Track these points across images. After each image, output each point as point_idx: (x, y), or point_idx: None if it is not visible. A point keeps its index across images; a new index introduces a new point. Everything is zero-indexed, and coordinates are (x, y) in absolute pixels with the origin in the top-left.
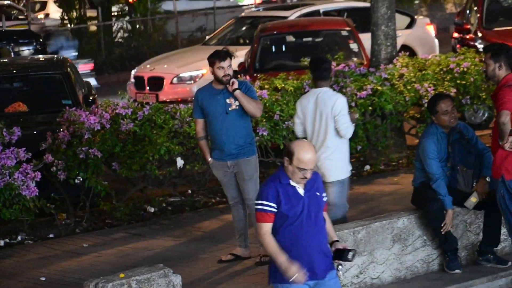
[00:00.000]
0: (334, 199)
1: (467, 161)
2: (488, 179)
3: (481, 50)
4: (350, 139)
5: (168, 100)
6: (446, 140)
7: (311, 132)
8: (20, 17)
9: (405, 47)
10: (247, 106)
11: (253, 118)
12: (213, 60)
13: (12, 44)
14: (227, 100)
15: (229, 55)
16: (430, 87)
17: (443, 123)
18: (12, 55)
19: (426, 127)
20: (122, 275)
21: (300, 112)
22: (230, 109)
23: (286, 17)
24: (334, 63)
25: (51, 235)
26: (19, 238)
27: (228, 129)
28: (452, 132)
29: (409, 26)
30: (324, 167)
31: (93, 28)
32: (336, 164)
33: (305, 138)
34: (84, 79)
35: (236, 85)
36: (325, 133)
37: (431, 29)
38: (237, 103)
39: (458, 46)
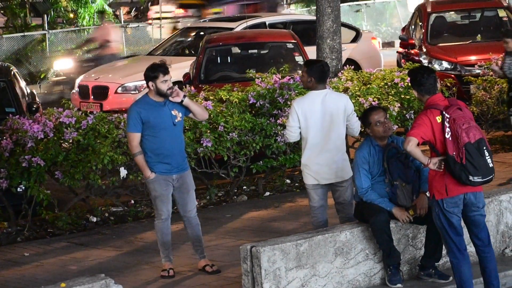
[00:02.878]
0: (350, 196)
1: (406, 176)
2: (427, 193)
3: (425, 64)
4: (295, 152)
5: (112, 110)
6: (381, 154)
7: (320, 136)
8: None
9: (350, 61)
10: (198, 110)
11: (200, 123)
12: (156, 74)
13: None
14: (172, 112)
15: (168, 70)
16: (374, 101)
17: (377, 134)
18: None
19: (362, 141)
20: (63, 284)
21: (301, 116)
22: (176, 120)
23: (232, 29)
24: (279, 76)
25: None
26: None
27: (176, 140)
28: (388, 147)
29: (355, 40)
30: (341, 168)
31: (38, 36)
32: (348, 162)
33: (300, 142)
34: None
35: (182, 95)
36: (337, 134)
37: (376, 43)
38: (180, 114)
39: (403, 61)
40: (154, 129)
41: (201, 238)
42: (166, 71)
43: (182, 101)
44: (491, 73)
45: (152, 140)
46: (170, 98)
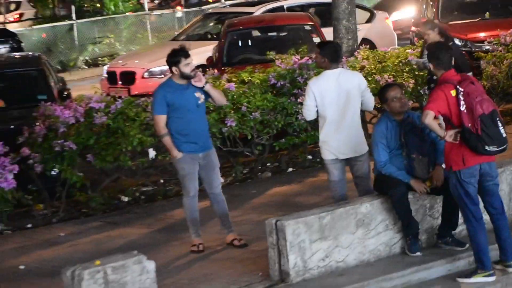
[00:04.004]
0: (367, 170)
1: (422, 149)
2: (443, 165)
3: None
4: (316, 129)
5: (139, 94)
6: (398, 129)
7: (337, 113)
8: None
9: (366, 41)
10: (217, 96)
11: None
12: (178, 59)
13: None
14: (196, 94)
15: (189, 53)
16: (390, 78)
17: (394, 109)
18: None
19: (379, 116)
20: (98, 262)
21: (318, 94)
22: (199, 102)
23: (251, 13)
24: (298, 57)
25: (29, 225)
26: None
27: (200, 121)
28: (405, 122)
29: (369, 20)
30: (357, 143)
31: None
32: (363, 137)
33: (317, 120)
34: None
35: (204, 80)
36: (353, 111)
37: (389, 23)
38: (203, 96)
39: (415, 39)
40: (179, 111)
41: (227, 214)
42: (187, 55)
43: (203, 86)
44: (500, 48)
45: (177, 122)
46: (193, 82)
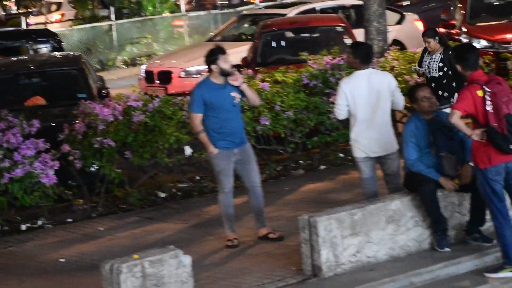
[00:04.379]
0: (397, 167)
1: (451, 148)
2: (471, 163)
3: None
4: (347, 128)
5: (176, 93)
6: (427, 128)
7: (368, 112)
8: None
9: (396, 42)
10: (252, 96)
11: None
12: (215, 56)
13: (31, 42)
14: (232, 94)
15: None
16: (419, 78)
17: (424, 109)
18: (31, 53)
19: (409, 116)
20: (136, 256)
21: (349, 95)
22: (235, 101)
23: (285, 15)
24: (330, 57)
25: (69, 220)
26: (40, 222)
27: (236, 120)
28: (434, 121)
29: (399, 22)
30: (388, 141)
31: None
32: (393, 136)
33: (348, 119)
34: None
35: (241, 80)
36: (383, 110)
37: (419, 25)
38: (239, 96)
39: None
40: (216, 109)
41: (263, 208)
42: (224, 51)
43: (239, 85)
44: None
45: (214, 120)
46: (230, 80)
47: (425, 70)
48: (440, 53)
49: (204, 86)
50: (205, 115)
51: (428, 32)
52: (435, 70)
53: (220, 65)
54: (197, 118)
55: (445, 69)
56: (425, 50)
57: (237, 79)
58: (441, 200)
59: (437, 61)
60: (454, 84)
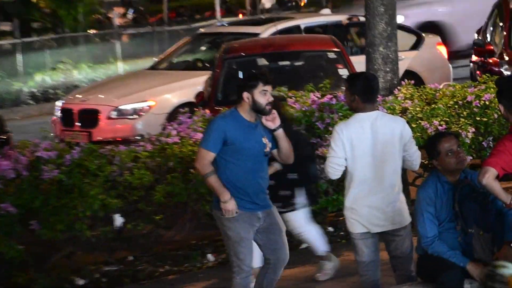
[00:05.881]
0: (409, 248)
1: (484, 222)
2: None
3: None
4: (340, 191)
5: (104, 140)
6: (451, 194)
7: (369, 169)
8: None
9: (410, 73)
10: (286, 148)
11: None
12: (254, 83)
13: None
14: (263, 139)
15: (271, 78)
16: (441, 125)
17: (449, 167)
18: None
19: (426, 176)
20: None
21: (348, 145)
22: (265, 150)
23: (257, 35)
24: (318, 94)
25: None
26: None
27: (264, 173)
28: (461, 185)
29: (415, 46)
30: (398, 211)
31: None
32: (405, 204)
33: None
34: None
35: (278, 123)
36: (393, 168)
37: (443, 51)
38: (270, 145)
39: (478, 72)
40: (240, 154)
41: None
42: (267, 81)
43: (275, 130)
44: None
45: (233, 169)
46: (264, 120)
47: None
48: None
49: (230, 120)
50: (222, 160)
51: None
52: None
53: (254, 95)
54: (208, 157)
55: None
56: None
57: (274, 120)
58: None
59: None
60: None
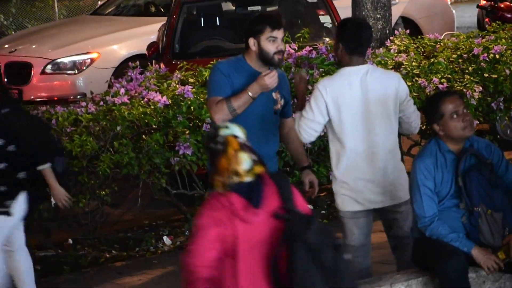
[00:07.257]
0: (410, 225)
1: (493, 200)
2: None
3: None
4: (320, 162)
5: (38, 100)
6: (454, 165)
7: (360, 134)
8: None
9: (405, 21)
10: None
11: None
12: (261, 27)
13: None
14: (273, 95)
15: (282, 22)
16: (442, 83)
17: (453, 132)
18: None
19: (424, 144)
20: None
21: (332, 105)
22: (275, 107)
23: None
24: (295, 46)
25: None
26: None
27: (272, 139)
28: (466, 155)
29: None
30: (396, 184)
31: None
32: (406, 174)
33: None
34: None
35: (276, 80)
36: (387, 132)
37: None
38: (282, 102)
39: (487, 19)
40: (246, 112)
41: None
42: (276, 25)
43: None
44: None
45: None
46: (266, 78)
47: None
48: None
49: (234, 66)
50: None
51: None
52: None
53: (261, 42)
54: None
55: None
56: None
57: (272, 78)
58: (474, 286)
59: None
60: None
